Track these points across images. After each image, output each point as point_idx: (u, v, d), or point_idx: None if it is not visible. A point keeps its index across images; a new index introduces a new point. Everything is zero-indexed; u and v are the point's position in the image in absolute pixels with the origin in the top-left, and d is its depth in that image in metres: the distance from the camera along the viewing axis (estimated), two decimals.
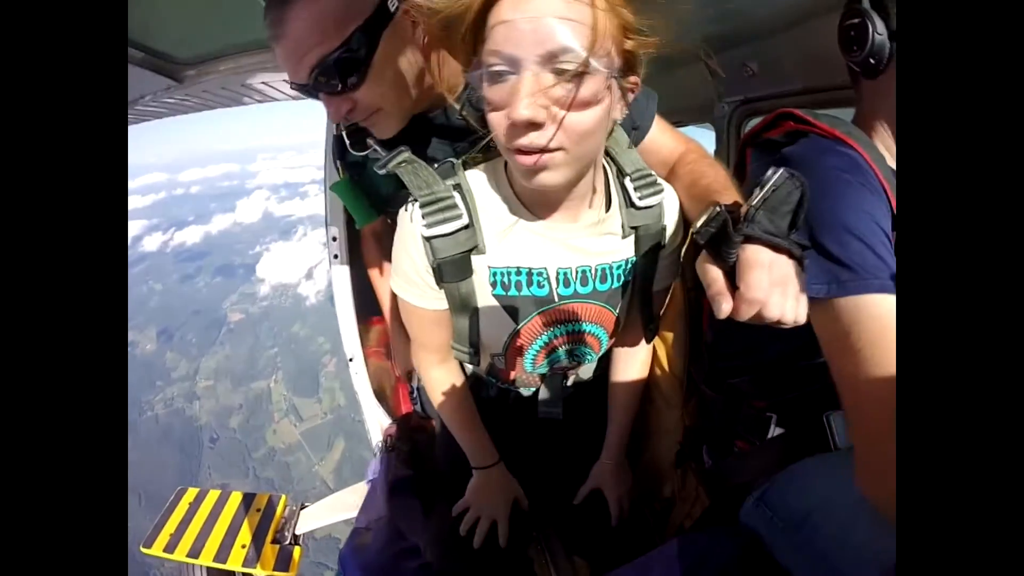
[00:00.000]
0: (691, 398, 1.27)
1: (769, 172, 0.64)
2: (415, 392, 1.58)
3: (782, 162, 0.86)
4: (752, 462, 1.08)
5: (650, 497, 1.34)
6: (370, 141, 1.09)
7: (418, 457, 1.49)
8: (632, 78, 0.76)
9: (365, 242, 1.56)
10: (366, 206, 1.27)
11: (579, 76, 0.66)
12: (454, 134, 1.12)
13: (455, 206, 0.89)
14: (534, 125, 0.68)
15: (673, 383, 1.28)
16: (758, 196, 0.64)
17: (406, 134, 1.06)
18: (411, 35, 0.96)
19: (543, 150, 0.71)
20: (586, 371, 1.24)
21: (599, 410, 1.29)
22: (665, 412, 1.31)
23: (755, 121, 2.26)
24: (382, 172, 0.94)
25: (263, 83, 1.87)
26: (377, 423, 1.62)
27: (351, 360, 1.56)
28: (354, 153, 1.13)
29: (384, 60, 0.94)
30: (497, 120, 0.72)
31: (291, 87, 0.98)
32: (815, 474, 0.89)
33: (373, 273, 1.59)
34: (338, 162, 1.25)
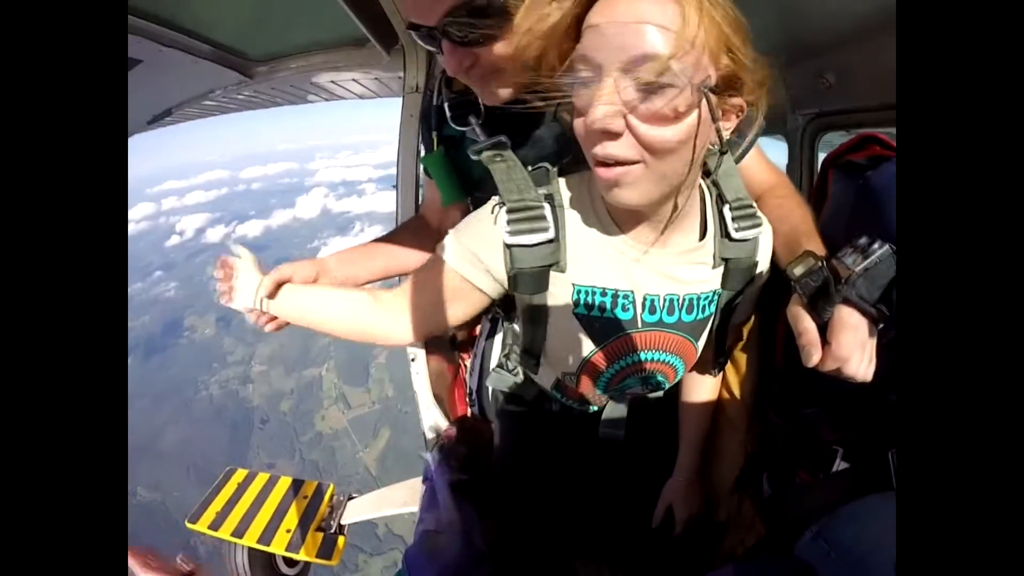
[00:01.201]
0: (756, 424, 1.24)
1: (875, 243, 0.69)
2: (473, 394, 1.61)
3: (865, 188, 0.84)
4: (814, 494, 1.05)
5: (704, 520, 1.32)
6: (472, 119, 1.06)
7: (474, 461, 1.52)
8: (736, 99, 0.71)
9: (418, 230, 1.39)
10: (456, 184, 1.21)
11: (662, 86, 0.63)
12: (556, 138, 1.05)
13: (543, 217, 0.87)
14: (610, 135, 0.67)
15: (739, 407, 1.25)
16: (861, 264, 0.69)
17: (511, 123, 0.98)
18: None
19: (620, 162, 0.69)
20: (653, 395, 1.24)
21: (660, 431, 1.28)
22: (728, 435, 1.29)
23: (828, 135, 2.19)
24: (475, 157, 0.93)
25: (330, 81, 1.93)
26: (434, 423, 1.66)
27: (413, 359, 1.60)
28: (453, 127, 1.10)
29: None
30: (579, 127, 0.71)
31: (411, 30, 0.89)
32: (877, 514, 0.86)
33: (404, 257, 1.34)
34: (434, 133, 1.20)
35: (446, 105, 1.11)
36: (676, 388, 1.26)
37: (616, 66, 0.64)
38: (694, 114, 0.67)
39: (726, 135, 0.74)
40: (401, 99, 1.49)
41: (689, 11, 0.61)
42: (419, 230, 1.37)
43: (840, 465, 1.02)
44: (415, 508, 1.53)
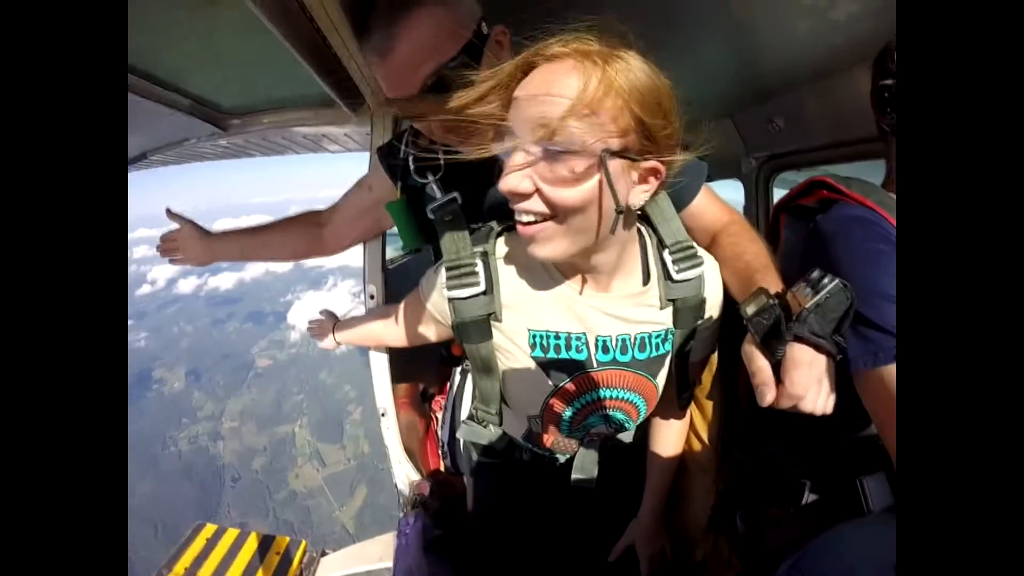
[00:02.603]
0: (725, 463, 1.25)
1: (825, 278, 0.70)
2: (444, 447, 1.59)
3: (815, 232, 0.89)
4: (786, 528, 1.05)
5: (682, 562, 1.31)
6: (429, 175, 1.15)
7: (447, 514, 1.48)
8: (649, 163, 0.74)
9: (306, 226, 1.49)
10: (415, 232, 1.28)
11: (562, 152, 0.69)
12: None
13: (474, 273, 0.95)
14: (520, 195, 0.73)
15: (707, 449, 1.27)
16: (812, 300, 0.69)
17: (466, 180, 1.10)
18: (504, 58, 0.96)
19: (533, 222, 0.76)
20: (623, 437, 1.24)
21: (632, 476, 1.28)
22: (699, 477, 1.30)
23: (782, 174, 2.30)
24: (430, 215, 1.02)
25: (303, 137, 1.97)
26: (405, 477, 1.62)
27: (383, 415, 1.58)
28: (415, 178, 1.17)
29: None
30: (502, 191, 0.76)
31: (387, 103, 1.00)
32: (849, 541, 0.87)
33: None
34: (398, 183, 1.27)
35: (410, 159, 1.18)
36: (645, 435, 1.28)
37: (526, 133, 0.70)
38: (595, 176, 0.71)
39: (646, 196, 0.78)
40: (369, 160, 1.54)
41: (591, 81, 0.67)
42: (307, 227, 1.46)
43: (809, 497, 1.03)
44: (390, 563, 1.48)
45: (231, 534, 1.69)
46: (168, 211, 1.47)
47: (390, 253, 1.76)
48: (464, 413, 1.42)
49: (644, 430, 1.27)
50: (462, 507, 1.39)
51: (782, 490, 1.07)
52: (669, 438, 1.24)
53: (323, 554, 1.70)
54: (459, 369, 1.56)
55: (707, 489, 1.28)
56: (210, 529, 1.70)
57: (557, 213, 0.74)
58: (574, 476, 1.14)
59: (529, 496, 1.28)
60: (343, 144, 2.17)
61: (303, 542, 1.71)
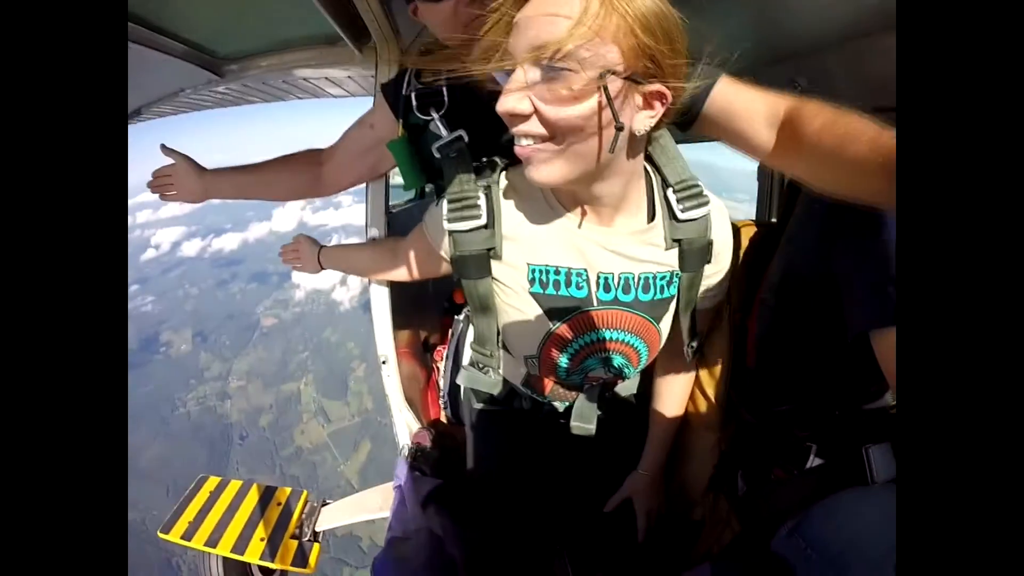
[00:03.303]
0: (729, 423, 1.24)
1: None
2: (445, 397, 1.58)
3: None
4: (788, 490, 1.04)
5: (679, 519, 1.31)
6: (432, 111, 1.12)
7: (446, 464, 1.49)
8: (653, 86, 0.72)
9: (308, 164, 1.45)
10: (418, 171, 1.27)
11: (561, 70, 0.67)
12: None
13: (476, 206, 0.93)
14: (518, 116, 0.72)
15: (712, 406, 1.25)
16: None
17: (469, 115, 1.08)
18: None
19: (532, 141, 0.74)
20: (624, 388, 1.22)
21: (633, 428, 1.27)
22: (702, 435, 1.28)
23: None
24: (436, 154, 1.01)
25: (303, 79, 1.90)
26: (406, 427, 1.62)
27: (384, 362, 1.57)
28: (417, 115, 1.15)
29: None
30: (500, 113, 0.74)
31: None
32: (852, 510, 0.86)
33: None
34: (400, 120, 1.23)
35: (413, 95, 1.15)
36: (648, 388, 1.26)
37: (524, 54, 0.69)
38: (594, 97, 0.70)
39: (651, 122, 0.76)
40: (373, 99, 1.49)
41: (592, 1, 0.65)
42: (306, 165, 1.42)
43: (814, 461, 1.02)
44: (385, 514, 1.50)
45: (233, 486, 1.72)
46: (163, 146, 1.43)
47: (394, 200, 1.72)
48: (465, 360, 1.41)
49: (647, 383, 1.26)
50: (462, 457, 1.39)
51: (787, 451, 1.06)
52: (674, 392, 1.22)
53: (323, 504, 1.72)
54: (462, 316, 1.54)
55: (710, 447, 1.27)
56: (213, 482, 1.73)
57: (556, 134, 0.73)
58: (573, 423, 1.12)
59: (528, 445, 1.27)
60: (345, 88, 2.10)
61: (304, 493, 1.73)
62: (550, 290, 0.96)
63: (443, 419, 1.68)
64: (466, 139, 1.06)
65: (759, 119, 0.83)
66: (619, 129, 0.72)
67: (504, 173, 0.98)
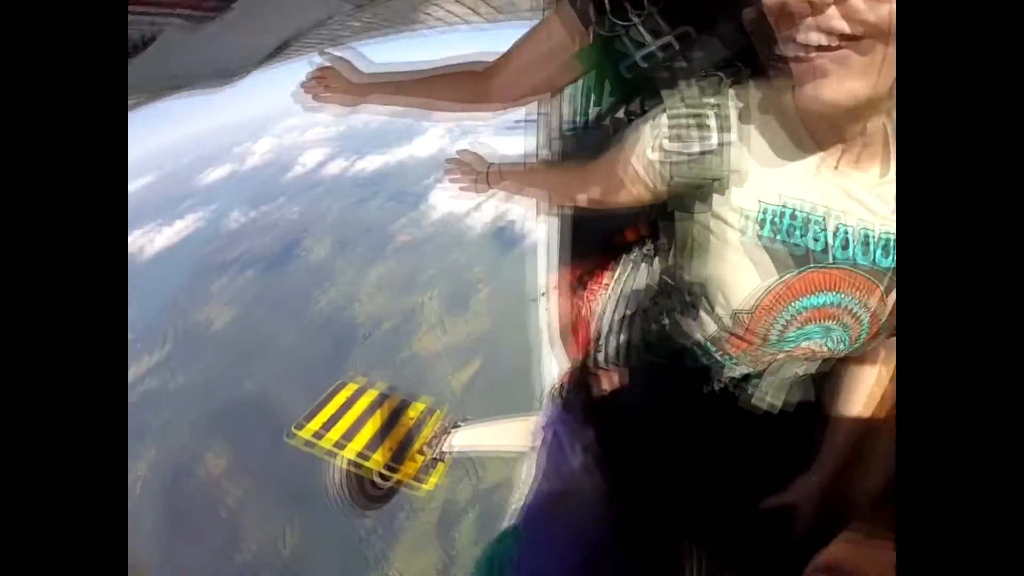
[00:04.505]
0: None
1: None
2: (601, 339, 1.52)
3: None
4: None
5: (835, 530, 1.16)
6: (633, 16, 0.94)
7: (593, 407, 1.44)
8: None
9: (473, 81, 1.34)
10: (611, 84, 1.13)
11: None
12: (734, 37, 0.90)
13: (706, 126, 0.79)
14: (809, 6, 0.54)
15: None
16: None
17: (681, 18, 0.90)
18: None
19: (821, 47, 0.58)
20: (808, 369, 1.07)
21: (808, 420, 1.12)
22: (884, 445, 1.11)
23: None
24: (642, 61, 0.87)
25: (456, 1, 1.81)
26: (555, 363, 1.61)
27: (543, 294, 1.54)
28: (613, 21, 0.97)
29: None
30: (773, 6, 0.59)
31: None
32: None
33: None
34: (590, 27, 1.08)
35: None
36: (836, 383, 1.09)
37: None
38: None
39: None
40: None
41: None
42: (472, 77, 1.31)
43: None
44: (521, 448, 1.47)
45: (370, 395, 1.78)
46: (323, 52, 1.40)
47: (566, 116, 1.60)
48: (624, 307, 1.32)
49: (835, 379, 1.09)
50: (612, 405, 1.33)
51: None
52: (865, 387, 1.05)
53: (455, 426, 1.73)
54: (631, 257, 1.42)
55: (888, 461, 1.09)
56: (351, 388, 1.79)
57: (866, 34, 0.55)
58: (757, 396, 1.00)
59: (690, 408, 1.17)
60: (500, 11, 1.96)
61: (437, 411, 1.76)
62: (782, 236, 0.82)
63: (594, 361, 1.63)
64: (676, 47, 0.90)
65: None
66: None
67: (731, 91, 0.82)
